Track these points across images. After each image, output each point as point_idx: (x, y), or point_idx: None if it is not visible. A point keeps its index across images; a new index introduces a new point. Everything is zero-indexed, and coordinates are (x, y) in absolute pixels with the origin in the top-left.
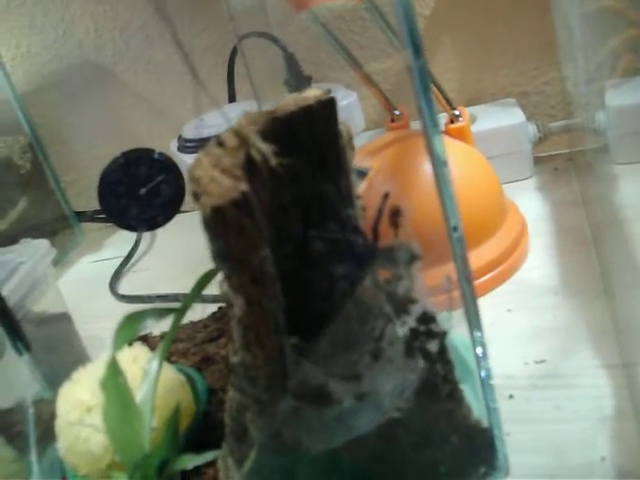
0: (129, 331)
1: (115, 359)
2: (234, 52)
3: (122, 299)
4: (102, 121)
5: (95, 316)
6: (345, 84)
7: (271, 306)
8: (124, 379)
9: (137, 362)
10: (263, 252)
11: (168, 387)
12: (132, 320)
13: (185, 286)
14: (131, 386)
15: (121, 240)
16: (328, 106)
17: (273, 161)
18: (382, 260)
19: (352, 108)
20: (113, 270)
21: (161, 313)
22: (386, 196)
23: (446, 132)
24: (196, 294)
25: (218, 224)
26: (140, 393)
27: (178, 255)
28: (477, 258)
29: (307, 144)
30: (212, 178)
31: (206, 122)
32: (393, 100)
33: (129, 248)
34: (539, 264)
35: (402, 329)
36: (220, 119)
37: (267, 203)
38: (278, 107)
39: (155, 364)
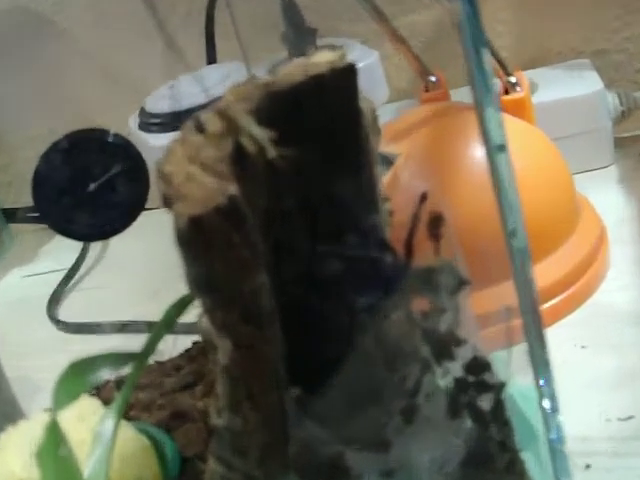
0: (75, 386)
1: (55, 422)
2: (210, 5)
3: (64, 327)
4: (39, 88)
5: (27, 351)
6: (362, 39)
7: (268, 351)
8: (67, 449)
9: (85, 421)
10: (258, 278)
11: (126, 454)
12: (79, 371)
13: (150, 310)
14: (77, 454)
15: (63, 247)
16: (346, 75)
17: (272, 152)
18: (418, 285)
19: (372, 72)
20: (52, 288)
21: (120, 359)
22: (423, 198)
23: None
24: (164, 331)
25: (197, 240)
26: (89, 464)
27: (140, 267)
28: (540, 276)
29: (317, 128)
30: (189, 176)
31: (177, 91)
32: (428, 63)
33: (73, 258)
34: (623, 284)
35: (444, 379)
36: (197, 86)
37: (263, 210)
38: (278, 77)
39: (109, 424)
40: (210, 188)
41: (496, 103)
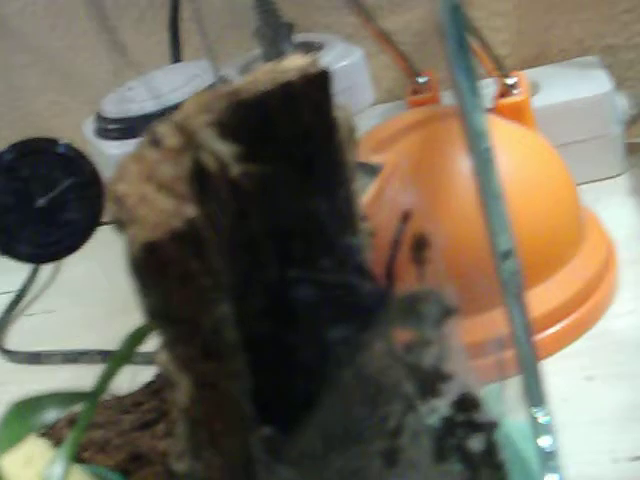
0: (19, 428)
1: None
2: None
3: (10, 357)
4: None
5: None
6: (344, 35)
7: (232, 388)
8: None
9: (32, 465)
10: (221, 309)
11: None
12: (24, 411)
13: (106, 337)
14: None
15: (11, 267)
16: (319, 83)
17: (235, 169)
18: (400, 314)
19: (355, 72)
20: None
21: (68, 399)
22: (406, 217)
23: (495, 110)
24: (119, 365)
25: (152, 268)
26: None
27: (95, 290)
28: (541, 300)
29: (286, 141)
30: (143, 197)
31: (136, 93)
32: (417, 62)
33: (22, 279)
34: (633, 307)
35: (430, 418)
36: (159, 88)
37: (227, 233)
38: (243, 85)
39: (58, 469)
40: (166, 210)
41: (481, 108)
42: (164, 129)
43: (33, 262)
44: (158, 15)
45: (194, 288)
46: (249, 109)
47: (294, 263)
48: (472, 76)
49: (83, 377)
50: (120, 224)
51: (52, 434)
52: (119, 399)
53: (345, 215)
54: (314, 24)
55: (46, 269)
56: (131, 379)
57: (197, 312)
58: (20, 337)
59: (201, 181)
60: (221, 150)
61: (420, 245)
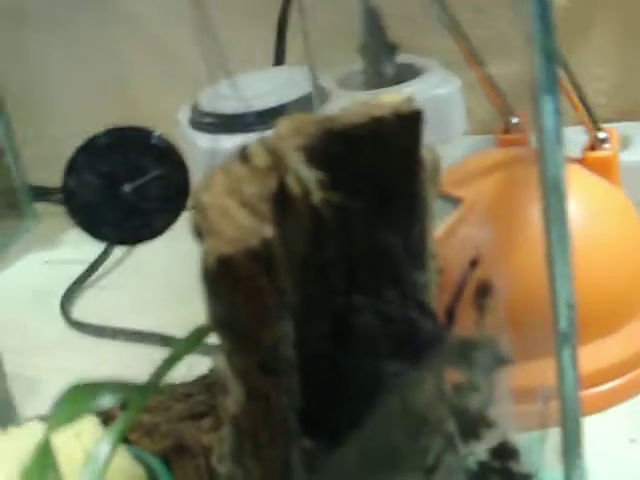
0: (73, 410)
1: (48, 443)
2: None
3: (76, 326)
4: (81, 61)
5: (32, 346)
6: (446, 62)
7: (282, 404)
8: (56, 475)
9: (80, 439)
10: (282, 328)
11: None
12: (80, 395)
13: (169, 321)
14: (66, 472)
15: (87, 239)
16: (410, 122)
17: (317, 196)
18: (453, 357)
19: (451, 101)
20: (70, 280)
21: (123, 390)
22: (474, 263)
23: (582, 161)
24: (175, 361)
25: (223, 281)
26: None
27: (167, 273)
28: (595, 356)
29: (370, 174)
30: (225, 211)
31: (237, 91)
32: (512, 102)
33: (97, 250)
34: None
35: (467, 460)
36: (258, 88)
37: (300, 257)
38: (337, 115)
39: (105, 448)
40: (245, 227)
41: (561, 155)
42: (255, 147)
43: (112, 243)
44: (269, 15)
45: (260, 304)
46: (339, 139)
47: (360, 291)
48: (557, 121)
49: (140, 355)
50: (199, 233)
51: (103, 412)
52: (172, 386)
53: (417, 251)
54: (419, 46)
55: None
56: (187, 368)
57: (259, 327)
58: (88, 307)
59: (283, 203)
60: (306, 175)
61: (483, 292)
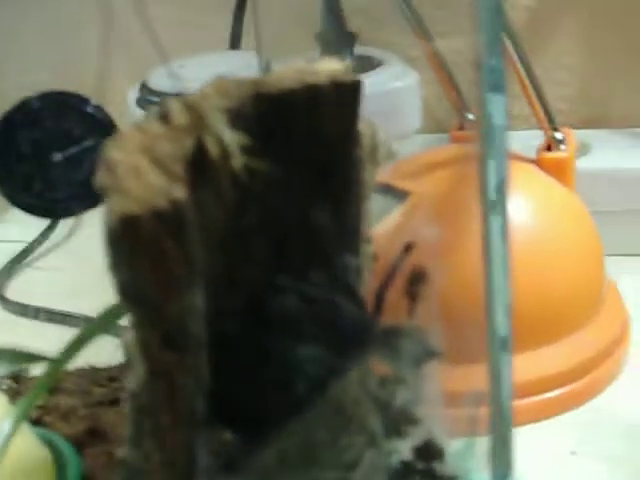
0: None
1: None
2: None
3: (6, 303)
4: (44, 31)
5: None
6: (406, 58)
7: (187, 385)
8: None
9: None
10: (190, 298)
11: (20, 466)
12: None
13: (104, 304)
14: None
15: (31, 219)
16: (348, 92)
17: (238, 161)
18: (380, 347)
19: (407, 95)
20: (6, 259)
21: (18, 358)
22: (408, 248)
23: (536, 162)
24: (86, 337)
25: (127, 243)
26: None
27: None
28: (539, 363)
29: (300, 144)
30: (135, 168)
31: (186, 71)
32: (469, 98)
33: (38, 230)
34: (633, 392)
35: (390, 458)
36: (208, 70)
37: (217, 226)
38: (269, 78)
39: (6, 426)
40: (154, 187)
41: (500, 153)
42: (175, 105)
43: (36, 215)
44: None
45: (165, 272)
46: (269, 103)
47: (284, 268)
48: (503, 117)
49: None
50: (105, 191)
51: (19, 388)
52: (95, 370)
53: (350, 233)
54: (378, 40)
55: (65, 227)
56: (115, 352)
57: (164, 297)
58: (23, 287)
59: (200, 165)
60: (228, 138)
61: (417, 279)
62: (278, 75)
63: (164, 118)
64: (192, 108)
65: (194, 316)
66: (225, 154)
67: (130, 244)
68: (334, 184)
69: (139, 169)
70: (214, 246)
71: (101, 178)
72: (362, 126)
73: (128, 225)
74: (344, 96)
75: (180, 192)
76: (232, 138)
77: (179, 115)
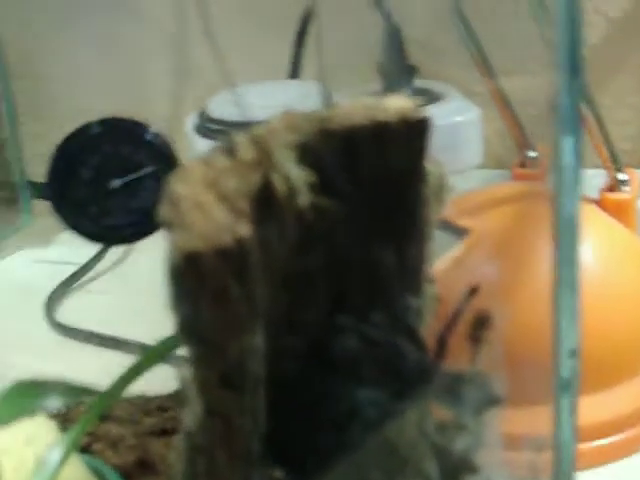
0: (16, 408)
1: None
2: (308, 14)
3: (56, 326)
4: (95, 59)
5: (12, 344)
6: (467, 92)
7: (244, 425)
8: None
9: (33, 444)
10: (251, 339)
11: None
12: (24, 393)
13: (154, 331)
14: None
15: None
16: (416, 130)
17: (305, 199)
18: (441, 391)
19: (468, 129)
20: (58, 281)
21: (71, 392)
22: (472, 291)
23: (599, 202)
24: (140, 370)
25: (189, 280)
26: None
27: (158, 282)
28: (600, 407)
29: (367, 182)
30: (199, 204)
31: (250, 99)
32: (531, 136)
33: (91, 253)
34: None
35: None
36: (268, 100)
37: (280, 265)
38: (336, 114)
39: (56, 455)
40: (219, 223)
41: (577, 195)
42: (242, 140)
43: (93, 240)
44: (290, 27)
45: (227, 310)
46: (336, 140)
47: (345, 309)
48: (577, 159)
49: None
50: (168, 226)
51: (67, 415)
52: (147, 400)
53: (412, 273)
54: (439, 74)
55: (117, 251)
56: (166, 380)
57: (225, 336)
58: (73, 310)
59: (266, 202)
60: (295, 175)
61: (481, 323)
62: (346, 111)
63: (230, 152)
64: (259, 143)
65: (254, 356)
66: (292, 191)
67: (192, 281)
68: (399, 222)
69: (204, 204)
70: (276, 285)
71: (165, 212)
72: (429, 164)
73: (191, 261)
74: (412, 133)
75: (245, 229)
76: (299, 175)
77: (246, 150)
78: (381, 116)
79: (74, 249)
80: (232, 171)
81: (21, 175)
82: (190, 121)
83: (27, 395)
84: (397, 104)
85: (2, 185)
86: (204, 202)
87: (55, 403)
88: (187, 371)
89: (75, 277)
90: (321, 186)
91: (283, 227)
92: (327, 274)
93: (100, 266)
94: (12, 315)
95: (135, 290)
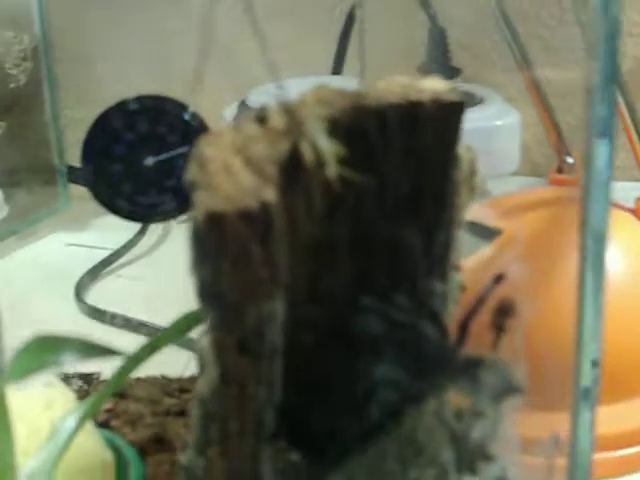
0: (32, 362)
1: (2, 394)
2: (351, 13)
3: (85, 309)
4: (148, 44)
5: (40, 320)
6: (509, 97)
7: (259, 395)
8: (6, 426)
9: (52, 410)
10: (270, 305)
11: (82, 464)
12: (41, 348)
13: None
14: (32, 442)
15: (120, 224)
16: (450, 112)
17: (332, 170)
18: (460, 377)
19: (507, 134)
20: (90, 265)
21: (88, 350)
22: (498, 279)
23: (634, 212)
24: (158, 344)
25: (211, 240)
26: (36, 456)
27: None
28: (622, 417)
29: (397, 161)
30: (227, 166)
31: (285, 92)
32: (570, 141)
33: (126, 239)
34: None
35: None
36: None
37: (304, 235)
38: (371, 91)
39: (71, 423)
40: (245, 187)
41: (606, 203)
42: (274, 109)
43: (121, 216)
44: (335, 24)
45: (248, 273)
46: (369, 117)
47: (368, 289)
48: (609, 165)
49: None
50: (195, 186)
51: (89, 388)
52: (168, 381)
53: (438, 258)
54: (481, 78)
55: (150, 238)
56: (187, 365)
57: (244, 299)
58: (103, 293)
59: (293, 170)
60: (324, 146)
61: (504, 311)
62: (381, 89)
63: (261, 120)
64: (291, 112)
65: (273, 323)
66: (320, 162)
67: (214, 242)
68: (427, 204)
69: (231, 167)
70: (299, 254)
71: (192, 173)
72: (461, 150)
73: (214, 222)
74: (446, 116)
75: (270, 194)
76: (328, 147)
77: (277, 118)
78: (415, 96)
79: (109, 234)
80: (261, 138)
81: (60, 159)
82: (229, 111)
83: (46, 349)
84: (433, 85)
85: (41, 168)
86: (231, 165)
87: (70, 358)
88: (205, 339)
89: (107, 262)
90: (350, 160)
91: (310, 197)
92: (352, 250)
93: (133, 252)
94: (43, 296)
95: (166, 277)
